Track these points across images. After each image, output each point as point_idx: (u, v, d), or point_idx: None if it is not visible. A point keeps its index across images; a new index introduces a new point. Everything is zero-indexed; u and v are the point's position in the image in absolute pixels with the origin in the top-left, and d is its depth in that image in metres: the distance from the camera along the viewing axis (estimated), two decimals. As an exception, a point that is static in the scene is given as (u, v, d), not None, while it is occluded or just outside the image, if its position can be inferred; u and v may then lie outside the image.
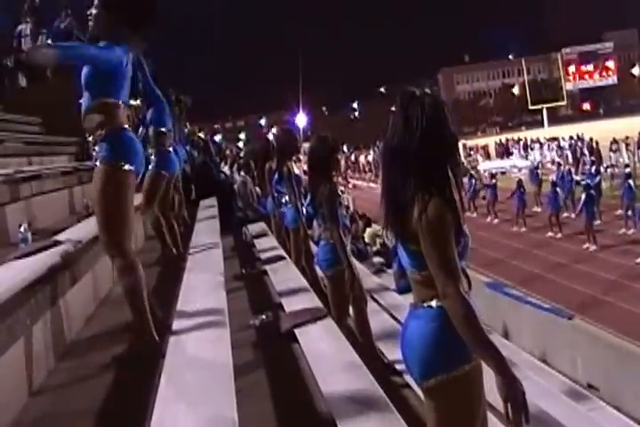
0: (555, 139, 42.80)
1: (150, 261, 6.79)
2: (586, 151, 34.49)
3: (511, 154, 45.86)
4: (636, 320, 12.34)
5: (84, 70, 4.17)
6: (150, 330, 4.15)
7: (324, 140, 5.43)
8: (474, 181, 27.85)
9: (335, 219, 5.14)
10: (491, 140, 52.82)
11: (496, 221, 25.11)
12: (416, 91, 2.57)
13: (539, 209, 24.96)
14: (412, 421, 3.21)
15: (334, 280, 5.33)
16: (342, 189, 6.26)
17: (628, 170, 22.05)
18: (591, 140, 37.56)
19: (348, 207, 8.30)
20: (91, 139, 4.16)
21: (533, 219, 23.89)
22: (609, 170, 28.02)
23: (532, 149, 43.68)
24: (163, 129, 7.04)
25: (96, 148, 4.13)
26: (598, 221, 20.95)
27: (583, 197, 19.50)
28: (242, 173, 11.01)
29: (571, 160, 35.05)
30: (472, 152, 45.16)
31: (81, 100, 4.19)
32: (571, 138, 40.46)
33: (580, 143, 37.07)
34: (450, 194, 2.47)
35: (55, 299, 4.17)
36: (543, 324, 10.57)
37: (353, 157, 56.15)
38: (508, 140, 50.29)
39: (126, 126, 4.26)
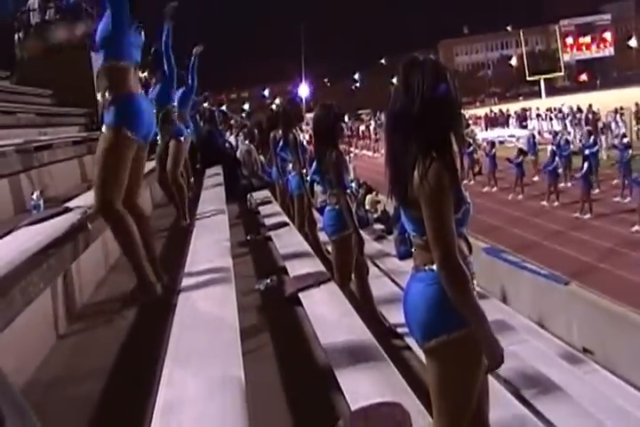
0: (560, 110, 42.02)
1: (158, 227, 6.80)
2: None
3: (508, 124, 45.56)
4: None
5: (100, 26, 4.16)
6: (151, 282, 4.31)
7: (328, 108, 5.41)
8: (472, 149, 27.69)
9: (342, 184, 5.16)
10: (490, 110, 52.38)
11: (495, 189, 25.03)
12: (418, 57, 2.53)
13: (537, 178, 24.84)
14: (413, 382, 3.23)
15: (339, 245, 5.35)
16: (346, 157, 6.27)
17: (626, 140, 21.88)
18: (589, 110, 37.31)
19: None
20: (100, 99, 4.20)
21: (531, 187, 23.81)
22: (607, 139, 27.83)
23: (530, 119, 43.29)
24: (173, 104, 7.08)
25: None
26: (597, 190, 20.91)
27: (586, 166, 19.36)
28: (246, 142, 10.96)
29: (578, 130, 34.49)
30: (470, 122, 44.76)
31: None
32: (579, 110, 39.64)
33: (590, 114, 36.17)
34: (450, 159, 2.44)
35: (67, 264, 4.18)
36: (540, 289, 10.59)
37: (354, 127, 55.85)
38: (499, 110, 49.84)
39: (135, 92, 4.23)
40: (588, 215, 18.74)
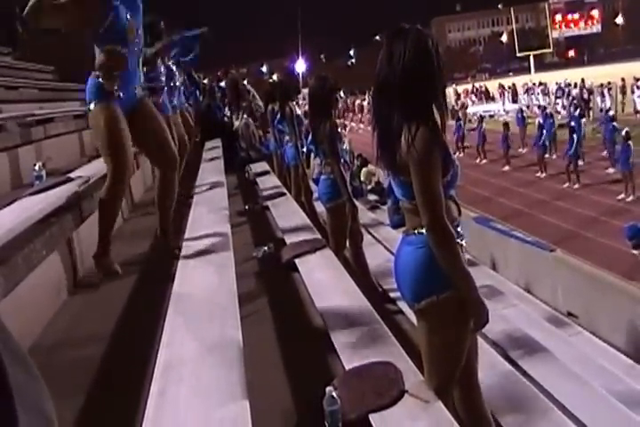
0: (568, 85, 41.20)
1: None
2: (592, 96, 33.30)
3: (498, 98, 45.17)
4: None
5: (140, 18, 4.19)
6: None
7: (323, 80, 5.35)
8: (461, 123, 27.56)
9: (335, 154, 5.12)
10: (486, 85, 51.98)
11: (484, 161, 24.99)
12: (404, 26, 2.50)
13: (524, 150, 24.84)
14: (405, 343, 3.22)
15: (333, 213, 5.33)
16: (341, 130, 6.23)
17: (611, 113, 21.83)
18: (575, 85, 37.04)
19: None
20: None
21: (519, 159, 23.80)
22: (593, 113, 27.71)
23: (521, 94, 42.88)
24: None
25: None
26: (581, 162, 20.89)
27: (575, 138, 19.31)
28: (244, 116, 10.86)
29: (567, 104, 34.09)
30: (462, 96, 44.47)
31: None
32: (570, 84, 39.02)
33: (584, 89, 35.52)
34: (434, 124, 2.43)
35: (69, 231, 4.15)
36: (527, 256, 10.60)
37: (349, 102, 55.44)
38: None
39: None
40: (576, 185, 18.73)
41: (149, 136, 4.36)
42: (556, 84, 38.36)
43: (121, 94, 4.06)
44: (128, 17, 4.02)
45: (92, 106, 4.02)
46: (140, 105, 4.27)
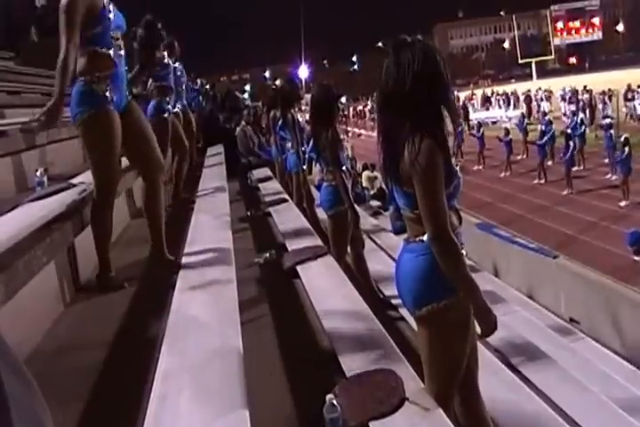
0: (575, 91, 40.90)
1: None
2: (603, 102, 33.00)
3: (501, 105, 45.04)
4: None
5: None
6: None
7: (325, 88, 5.37)
8: (460, 129, 27.52)
9: (337, 162, 5.11)
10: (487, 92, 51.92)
11: (483, 167, 24.96)
12: (407, 38, 2.51)
13: (525, 156, 24.82)
14: (406, 351, 3.20)
15: (335, 220, 5.31)
16: (343, 137, 6.23)
17: (608, 121, 21.87)
18: (576, 91, 36.98)
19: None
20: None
21: (519, 165, 23.77)
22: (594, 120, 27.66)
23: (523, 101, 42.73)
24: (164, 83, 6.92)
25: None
26: (579, 168, 20.92)
27: (571, 144, 19.34)
28: (242, 122, 10.86)
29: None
30: (467, 102, 44.38)
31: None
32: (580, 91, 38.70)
33: (593, 95, 35.19)
34: (441, 135, 2.42)
35: (70, 238, 4.12)
36: (530, 262, 10.59)
37: (352, 108, 55.55)
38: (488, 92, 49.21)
39: None
40: (567, 191, 18.76)
41: (137, 141, 4.19)
42: (562, 90, 38.31)
43: (114, 97, 3.97)
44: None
45: (85, 114, 3.89)
46: (129, 108, 4.15)
